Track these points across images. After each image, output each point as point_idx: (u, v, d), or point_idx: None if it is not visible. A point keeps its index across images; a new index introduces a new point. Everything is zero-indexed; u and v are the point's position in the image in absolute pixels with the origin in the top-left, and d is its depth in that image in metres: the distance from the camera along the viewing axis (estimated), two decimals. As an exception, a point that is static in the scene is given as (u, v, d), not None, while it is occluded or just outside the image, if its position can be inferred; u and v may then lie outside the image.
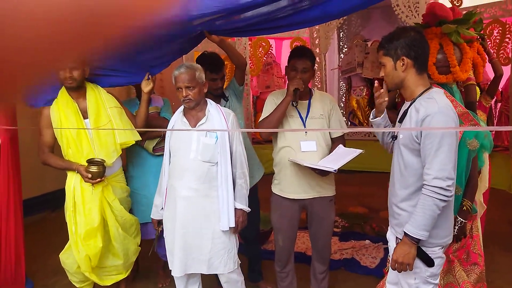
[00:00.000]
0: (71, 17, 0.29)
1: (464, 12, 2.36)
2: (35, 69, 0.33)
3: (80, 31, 0.31)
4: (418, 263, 1.69)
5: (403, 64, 1.68)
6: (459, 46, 2.32)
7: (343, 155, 2.22)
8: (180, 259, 2.17)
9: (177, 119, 2.25)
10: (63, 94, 2.33)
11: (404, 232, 1.66)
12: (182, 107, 2.25)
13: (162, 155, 2.79)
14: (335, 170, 2.10)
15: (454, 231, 2.04)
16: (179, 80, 2.11)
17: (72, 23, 0.29)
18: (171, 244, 2.23)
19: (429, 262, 1.68)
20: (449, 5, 3.52)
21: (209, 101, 2.26)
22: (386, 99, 1.82)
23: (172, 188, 2.21)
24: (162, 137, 2.78)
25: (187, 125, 2.19)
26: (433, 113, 1.60)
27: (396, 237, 1.79)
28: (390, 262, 1.81)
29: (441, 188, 1.57)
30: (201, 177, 2.14)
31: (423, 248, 1.68)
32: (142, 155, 2.79)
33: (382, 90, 1.80)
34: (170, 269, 2.26)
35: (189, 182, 2.14)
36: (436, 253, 1.70)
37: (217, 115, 2.19)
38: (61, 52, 0.33)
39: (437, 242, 1.70)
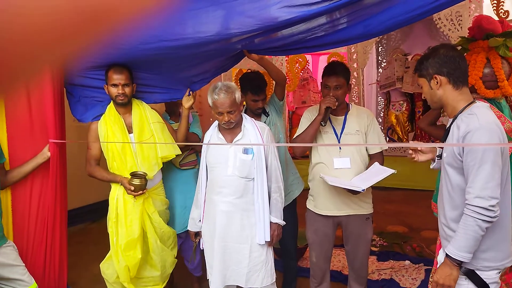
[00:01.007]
0: (70, 11, 0.30)
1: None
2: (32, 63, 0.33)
3: (77, 24, 0.31)
4: None
5: (437, 82, 1.66)
6: (508, 60, 2.22)
7: (375, 174, 2.15)
8: (220, 271, 2.18)
9: (213, 134, 2.27)
10: (111, 110, 2.44)
11: (446, 253, 1.59)
12: (216, 122, 2.27)
13: (188, 169, 2.84)
14: (363, 189, 2.03)
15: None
16: (220, 105, 2.09)
17: (72, 16, 0.30)
18: (210, 257, 2.25)
19: None
20: (495, 17, 3.39)
21: (244, 115, 2.27)
22: (423, 158, 1.79)
23: (211, 202, 2.23)
24: (189, 152, 2.83)
25: (223, 141, 2.22)
26: (474, 129, 1.53)
27: None
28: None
29: (483, 208, 1.49)
30: (239, 192, 2.15)
31: (478, 272, 1.58)
32: (168, 168, 2.82)
33: (414, 157, 1.80)
34: (207, 279, 2.28)
35: (227, 197, 2.16)
36: (492, 278, 1.59)
37: (252, 130, 2.20)
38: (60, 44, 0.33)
39: (494, 265, 1.59)
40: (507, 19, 3.11)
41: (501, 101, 2.08)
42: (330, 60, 6.50)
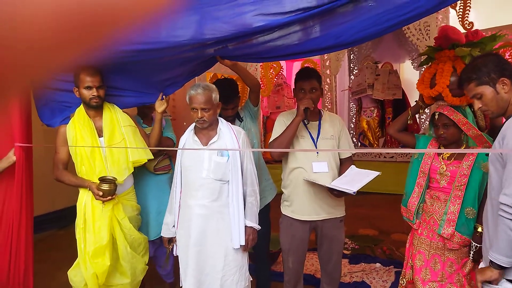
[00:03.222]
0: (73, 16, 0.29)
1: (490, 35, 2.34)
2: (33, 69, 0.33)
3: (79, 31, 0.30)
4: None
5: (504, 85, 1.64)
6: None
7: (359, 176, 2.19)
8: (194, 276, 2.16)
9: (188, 138, 2.26)
10: (80, 112, 2.37)
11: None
12: (193, 125, 2.27)
13: (162, 174, 2.80)
14: (354, 192, 2.07)
15: (469, 256, 1.99)
16: (195, 101, 2.12)
17: (74, 22, 0.29)
18: (185, 262, 2.22)
19: None
20: (460, 27, 3.55)
21: (220, 119, 2.28)
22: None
23: (185, 205, 2.22)
24: (163, 157, 2.79)
25: (199, 144, 2.21)
26: None
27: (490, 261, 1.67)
28: None
29: (507, 205, 1.45)
30: (213, 195, 2.15)
31: None
32: (142, 174, 2.76)
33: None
34: (180, 286, 2.25)
35: (201, 200, 2.15)
36: None
37: (228, 133, 2.20)
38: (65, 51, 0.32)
39: None
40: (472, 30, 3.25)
41: (465, 108, 2.17)
42: (304, 67, 6.59)
